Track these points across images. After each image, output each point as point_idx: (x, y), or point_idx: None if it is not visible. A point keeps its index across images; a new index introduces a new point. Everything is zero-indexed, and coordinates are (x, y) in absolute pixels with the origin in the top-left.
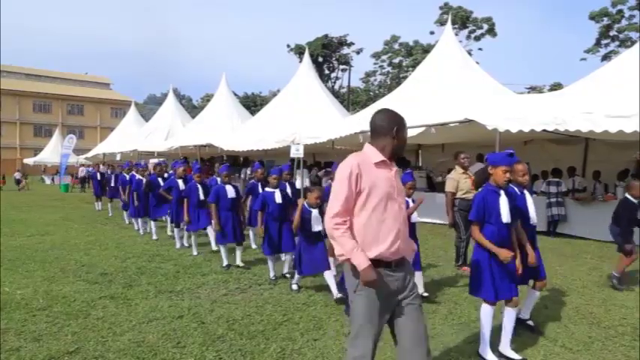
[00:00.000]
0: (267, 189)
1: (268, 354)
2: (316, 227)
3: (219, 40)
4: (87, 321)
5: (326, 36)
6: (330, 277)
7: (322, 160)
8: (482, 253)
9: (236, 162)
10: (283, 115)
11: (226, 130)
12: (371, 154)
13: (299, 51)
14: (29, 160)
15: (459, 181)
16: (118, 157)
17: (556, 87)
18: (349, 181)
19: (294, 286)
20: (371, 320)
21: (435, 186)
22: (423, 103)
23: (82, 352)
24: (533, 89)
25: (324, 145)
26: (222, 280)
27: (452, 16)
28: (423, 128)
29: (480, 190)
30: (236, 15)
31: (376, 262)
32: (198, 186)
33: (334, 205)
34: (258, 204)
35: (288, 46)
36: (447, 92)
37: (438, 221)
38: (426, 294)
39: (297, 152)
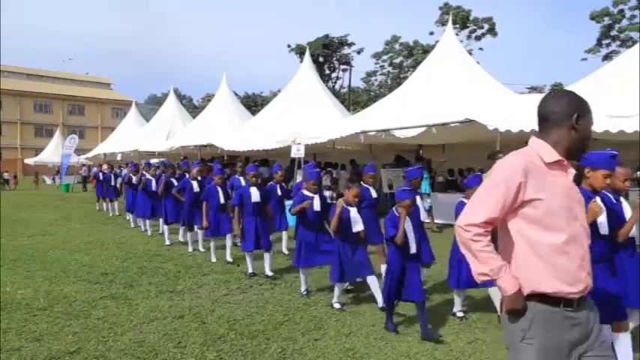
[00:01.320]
0: (304, 192)
1: (269, 354)
2: (356, 227)
3: (219, 40)
4: (88, 321)
5: (327, 36)
6: (374, 282)
7: (323, 160)
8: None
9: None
10: (284, 115)
11: (227, 130)
12: (541, 151)
13: (300, 51)
14: (30, 160)
15: None
16: (119, 157)
17: (557, 87)
18: (507, 189)
19: (337, 305)
20: None
21: (434, 186)
22: (424, 103)
23: (82, 352)
24: (533, 89)
25: (324, 145)
26: (223, 280)
27: (452, 16)
28: (423, 128)
29: None
30: (236, 15)
31: (553, 299)
32: (219, 189)
33: (478, 211)
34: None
35: (289, 46)
36: (448, 92)
37: (440, 221)
38: (461, 314)
39: (297, 152)
